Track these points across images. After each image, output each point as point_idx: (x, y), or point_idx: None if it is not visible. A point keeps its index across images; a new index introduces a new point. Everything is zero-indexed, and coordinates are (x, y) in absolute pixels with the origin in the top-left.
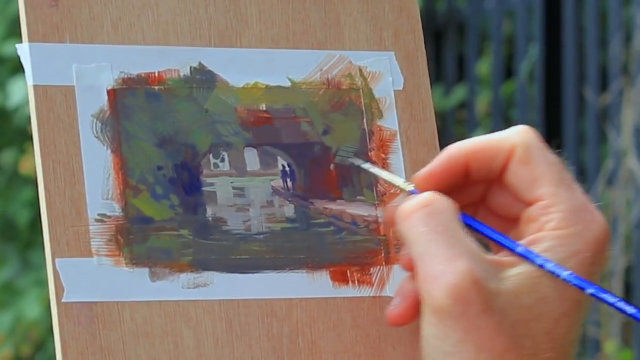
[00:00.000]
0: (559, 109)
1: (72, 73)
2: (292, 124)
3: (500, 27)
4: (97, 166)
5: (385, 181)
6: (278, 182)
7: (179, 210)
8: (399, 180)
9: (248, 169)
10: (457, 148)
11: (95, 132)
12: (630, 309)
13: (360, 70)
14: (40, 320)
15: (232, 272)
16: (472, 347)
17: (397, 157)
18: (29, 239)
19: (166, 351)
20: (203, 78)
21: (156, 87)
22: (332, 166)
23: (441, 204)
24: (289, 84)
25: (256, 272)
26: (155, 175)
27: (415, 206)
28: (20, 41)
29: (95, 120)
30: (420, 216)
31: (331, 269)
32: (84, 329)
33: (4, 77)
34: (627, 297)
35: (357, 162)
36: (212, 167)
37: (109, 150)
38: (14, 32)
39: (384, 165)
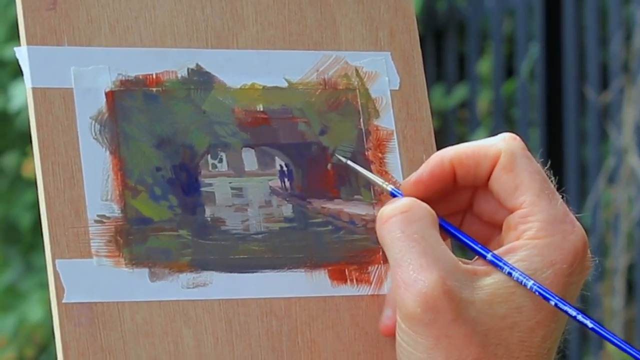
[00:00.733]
0: (559, 107)
1: (70, 75)
2: (290, 125)
3: (501, 26)
4: (96, 168)
5: (370, 179)
6: (276, 182)
7: (177, 211)
8: (378, 180)
9: (246, 169)
10: (443, 155)
11: (94, 133)
12: (590, 323)
13: (357, 70)
14: (43, 323)
15: (231, 272)
16: (442, 355)
17: (394, 157)
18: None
19: (166, 351)
20: (200, 79)
21: (154, 89)
22: (329, 166)
23: (419, 211)
24: (285, 84)
25: (255, 272)
26: (154, 176)
27: (393, 211)
28: (20, 44)
29: (93, 122)
30: (398, 221)
31: (329, 268)
32: (85, 329)
33: (6, 81)
34: (630, 295)
35: (341, 159)
36: (210, 168)
37: (108, 152)
38: (15, 36)
39: (381, 165)
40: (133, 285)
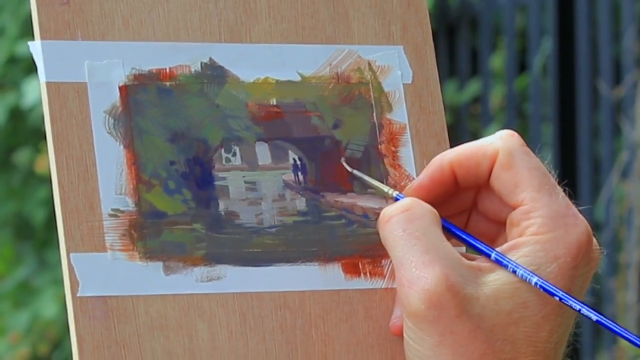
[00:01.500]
0: (572, 102)
1: (84, 70)
2: (303, 118)
3: (513, 21)
4: (110, 162)
5: (375, 187)
6: (289, 176)
7: (191, 205)
8: (384, 188)
9: (259, 163)
10: (442, 158)
11: (107, 128)
12: (594, 316)
13: (369, 64)
14: (57, 319)
15: (245, 266)
16: (448, 351)
17: (407, 150)
18: (44, 238)
19: (181, 344)
20: (214, 73)
21: (167, 83)
22: (342, 159)
23: (420, 210)
24: (299, 78)
25: (269, 265)
26: (167, 170)
27: (395, 211)
28: (34, 39)
29: (107, 116)
30: (399, 220)
31: (343, 262)
32: (99, 323)
33: (19, 77)
34: None
35: (348, 167)
36: (223, 162)
37: (122, 146)
38: (27, 33)
39: (394, 158)
40: (147, 278)
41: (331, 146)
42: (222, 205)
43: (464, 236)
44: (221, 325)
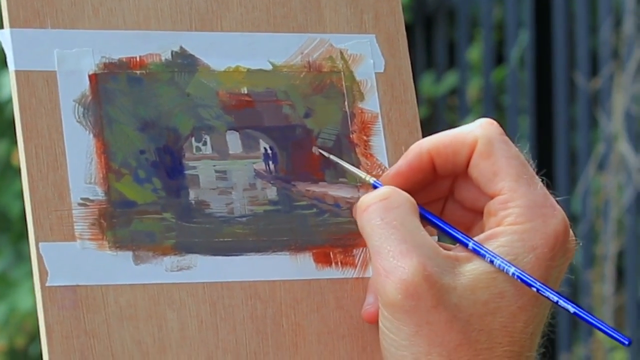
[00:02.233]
0: (549, 94)
1: (53, 58)
2: (274, 107)
3: (491, 14)
4: (80, 150)
5: (352, 173)
6: (260, 165)
7: (161, 194)
8: (361, 174)
9: (230, 152)
10: (421, 145)
11: (77, 116)
12: (572, 308)
13: (341, 53)
14: (34, 312)
15: (215, 255)
16: (424, 341)
17: (379, 139)
18: (21, 230)
19: (150, 334)
20: (184, 62)
21: (138, 72)
22: (314, 149)
23: (398, 198)
24: (270, 67)
25: (239, 255)
26: (137, 159)
27: (372, 199)
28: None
29: (77, 105)
30: (377, 209)
31: (314, 251)
32: (68, 312)
33: None
34: (620, 282)
35: (325, 153)
36: (194, 151)
37: (92, 135)
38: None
39: (366, 147)
40: (117, 268)
41: (302, 135)
42: (192, 195)
43: (442, 225)
44: (191, 315)
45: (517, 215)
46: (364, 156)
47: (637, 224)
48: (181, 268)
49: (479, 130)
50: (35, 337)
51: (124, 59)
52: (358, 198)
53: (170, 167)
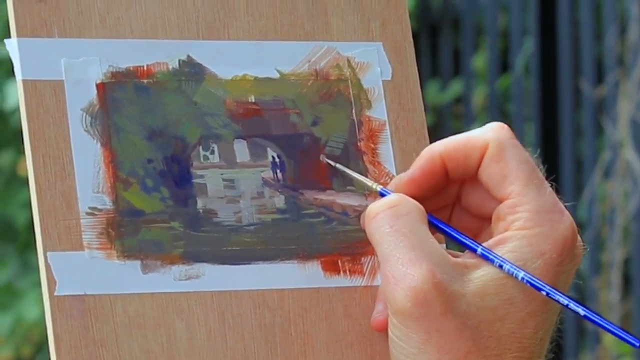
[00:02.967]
0: (555, 101)
1: (61, 67)
2: (281, 116)
3: (496, 21)
4: (88, 160)
5: (359, 181)
6: (268, 174)
7: (169, 203)
8: (367, 182)
9: (238, 160)
10: (432, 150)
11: (85, 125)
12: (582, 311)
13: (349, 61)
14: (40, 322)
15: (223, 264)
16: (433, 349)
17: (386, 147)
18: (28, 240)
19: (159, 343)
20: (192, 71)
21: (145, 81)
22: (321, 157)
23: (407, 206)
24: (277, 75)
25: (248, 263)
26: (145, 168)
27: (381, 207)
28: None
29: (84, 114)
30: (386, 216)
31: (322, 259)
32: (77, 322)
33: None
34: (626, 289)
35: (331, 162)
36: (202, 160)
37: (99, 144)
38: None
39: (374, 155)
40: (125, 277)
41: (310, 143)
42: (200, 203)
43: (450, 231)
44: (199, 324)
45: (525, 219)
46: (371, 164)
47: None
48: (189, 277)
49: (490, 133)
50: (41, 347)
51: (131, 68)
52: (366, 206)
53: (178, 176)
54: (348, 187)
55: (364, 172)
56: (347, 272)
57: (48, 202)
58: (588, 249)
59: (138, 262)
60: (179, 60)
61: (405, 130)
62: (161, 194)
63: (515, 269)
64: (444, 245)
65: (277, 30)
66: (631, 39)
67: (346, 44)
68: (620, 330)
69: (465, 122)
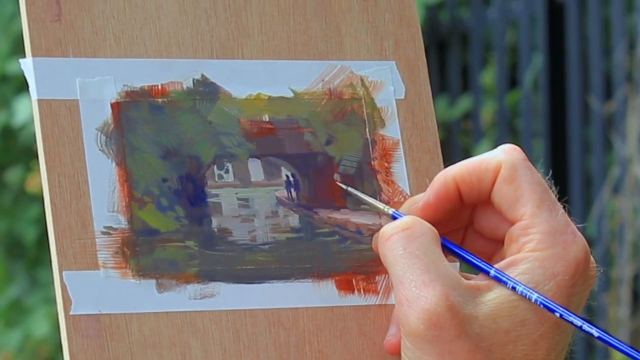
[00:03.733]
0: (564, 117)
1: (75, 87)
2: (295, 135)
3: (504, 37)
4: (103, 179)
5: (370, 205)
6: (282, 193)
7: (184, 222)
8: (379, 205)
9: (252, 179)
10: (446, 174)
11: (99, 145)
12: (596, 332)
13: (362, 79)
14: (49, 338)
15: (238, 283)
16: None
17: (400, 166)
18: (36, 256)
19: None
20: (206, 90)
21: (159, 100)
22: (335, 176)
23: (421, 228)
24: (291, 94)
25: (262, 282)
26: (160, 187)
27: (395, 229)
28: (25, 57)
29: (99, 133)
30: (399, 239)
31: (337, 278)
32: (92, 341)
33: (9, 96)
34: (635, 305)
35: (342, 185)
36: (216, 179)
37: (114, 163)
38: (18, 51)
39: (387, 174)
40: (140, 296)
41: (324, 162)
42: (215, 222)
43: (464, 254)
44: (215, 343)
45: (537, 241)
46: (385, 183)
47: None
48: (204, 296)
49: (502, 155)
50: None
51: (146, 87)
52: (380, 225)
53: (193, 195)
54: (362, 206)
55: (378, 191)
56: (362, 290)
57: (63, 221)
58: (601, 270)
59: (153, 281)
60: (194, 80)
61: (419, 148)
62: (176, 213)
63: (528, 291)
64: (458, 266)
65: (290, 49)
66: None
67: (359, 63)
68: (635, 351)
69: (473, 138)
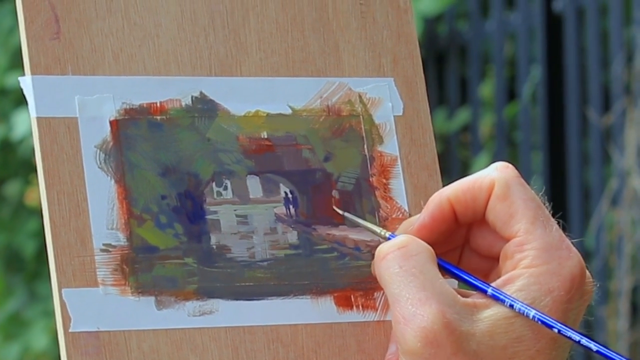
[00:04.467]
0: (562, 130)
1: (74, 105)
2: (294, 152)
3: (502, 50)
4: (102, 196)
5: (367, 228)
6: (281, 209)
7: (183, 239)
8: (376, 229)
9: (251, 196)
10: (440, 195)
11: (98, 162)
12: (594, 346)
13: (360, 96)
14: (47, 351)
15: (237, 299)
16: None
17: (398, 182)
18: (35, 270)
19: None
20: (204, 107)
21: (158, 117)
22: (334, 192)
23: (416, 247)
24: (289, 111)
25: (261, 299)
26: (159, 205)
27: (391, 248)
28: (23, 73)
29: (98, 151)
30: (395, 257)
31: (335, 294)
32: (92, 358)
33: (8, 109)
34: (634, 317)
35: (339, 211)
36: (215, 196)
37: (113, 181)
38: (17, 64)
39: (385, 191)
40: (139, 313)
41: (322, 179)
42: (213, 239)
43: (460, 273)
44: None
45: (533, 257)
46: (383, 199)
47: None
48: (203, 313)
49: (495, 173)
50: None
51: (145, 105)
52: (379, 241)
53: (192, 212)
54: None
55: (377, 207)
56: (360, 307)
57: (63, 238)
58: (596, 281)
59: (152, 298)
60: (192, 97)
61: (417, 165)
62: (175, 230)
63: (526, 308)
64: (456, 284)
65: (289, 66)
66: (638, 67)
67: (358, 80)
68: None
69: (472, 150)
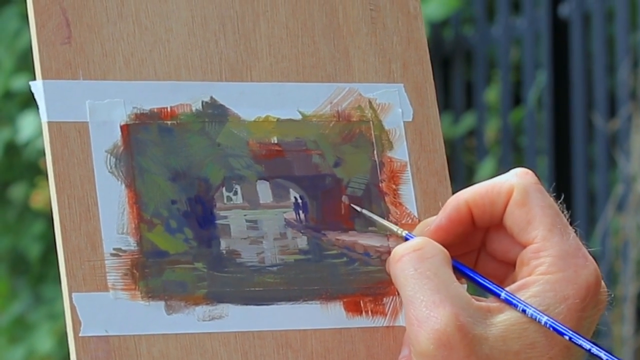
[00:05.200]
0: (568, 135)
1: (85, 109)
2: (304, 157)
3: (508, 55)
4: (112, 201)
5: (384, 227)
6: (291, 215)
7: (193, 244)
8: (393, 227)
9: (261, 201)
10: (458, 198)
11: (109, 167)
12: (604, 355)
13: (370, 102)
14: (52, 354)
15: (247, 304)
16: None
17: (407, 188)
18: (40, 273)
19: None
20: (215, 112)
21: (169, 122)
22: (343, 198)
23: (432, 249)
24: (299, 117)
25: (271, 304)
26: (169, 209)
27: (406, 250)
28: (30, 76)
29: (109, 155)
30: (411, 259)
31: (345, 300)
32: None
33: (14, 112)
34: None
35: (357, 208)
36: (225, 201)
37: (124, 185)
38: (23, 67)
39: (395, 196)
40: (149, 318)
41: (332, 184)
42: (223, 244)
43: (474, 276)
44: None
45: (549, 264)
46: (393, 205)
47: None
48: (213, 318)
49: (514, 179)
50: None
51: (155, 110)
52: (388, 247)
53: (202, 217)
54: (370, 228)
55: (386, 213)
56: (369, 312)
57: (73, 243)
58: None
59: (162, 303)
60: (202, 102)
61: (427, 171)
62: (185, 235)
63: (538, 314)
64: (465, 287)
65: (299, 72)
66: None
67: (368, 86)
68: None
69: (477, 155)
